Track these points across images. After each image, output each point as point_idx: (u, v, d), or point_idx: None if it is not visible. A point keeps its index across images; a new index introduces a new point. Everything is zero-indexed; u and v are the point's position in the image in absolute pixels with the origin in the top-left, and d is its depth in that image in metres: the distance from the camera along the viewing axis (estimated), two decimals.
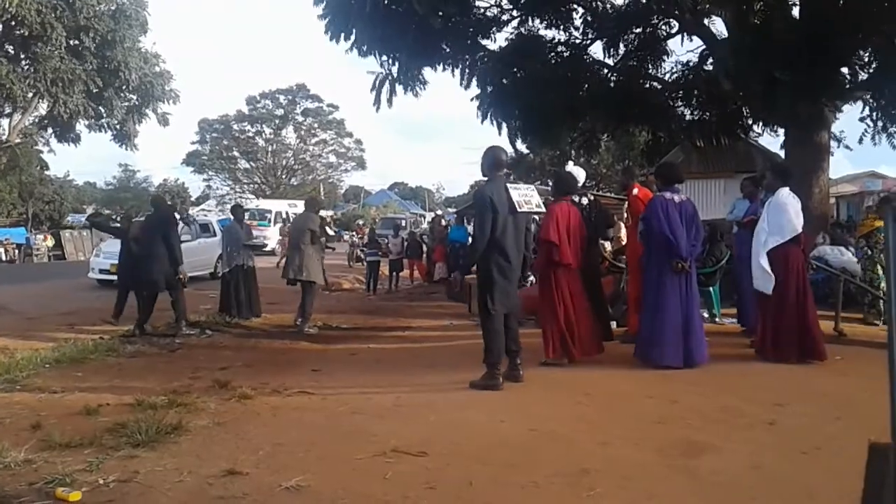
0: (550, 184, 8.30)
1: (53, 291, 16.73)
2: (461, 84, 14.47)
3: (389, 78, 14.01)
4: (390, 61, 13.81)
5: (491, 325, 6.35)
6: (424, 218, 25.96)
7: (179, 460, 4.38)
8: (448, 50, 13.82)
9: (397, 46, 13.20)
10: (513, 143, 15.84)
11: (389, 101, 14.15)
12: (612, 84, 14.95)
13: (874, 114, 13.12)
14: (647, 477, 4.06)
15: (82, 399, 6.09)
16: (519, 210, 6.39)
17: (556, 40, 14.79)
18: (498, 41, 14.89)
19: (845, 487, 3.19)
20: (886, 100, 12.61)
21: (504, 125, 15.04)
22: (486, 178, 6.67)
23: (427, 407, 5.79)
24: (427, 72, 14.35)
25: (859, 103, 13.09)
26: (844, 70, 12.33)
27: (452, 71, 14.33)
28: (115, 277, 17.55)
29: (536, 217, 7.83)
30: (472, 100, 15.03)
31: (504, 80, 14.36)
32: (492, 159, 6.60)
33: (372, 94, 14.18)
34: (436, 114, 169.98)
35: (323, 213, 15.54)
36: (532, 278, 8.75)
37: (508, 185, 6.50)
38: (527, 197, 6.56)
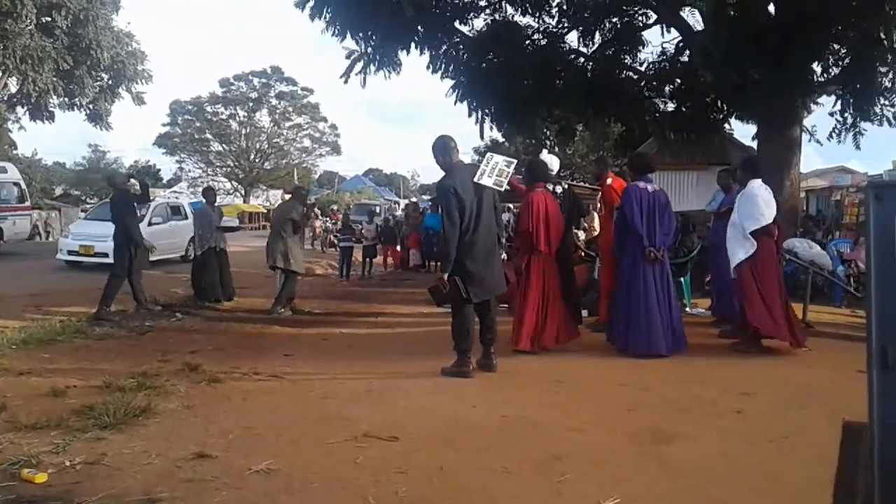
0: (523, 171, 8.26)
1: (21, 272, 16.46)
2: (434, 69, 14.37)
3: (364, 57, 13.88)
4: (364, 43, 13.69)
5: (462, 313, 6.33)
6: (399, 205, 25.83)
7: (148, 443, 4.34)
8: (423, 33, 13.73)
9: (372, 28, 13.09)
10: (482, 131, 15.76)
11: (364, 81, 14.02)
12: (587, 73, 14.96)
13: (845, 109, 13.27)
14: (618, 463, 4.10)
15: (49, 381, 6.00)
16: (501, 189, 6.33)
17: (533, 27, 14.76)
18: (474, 26, 14.80)
19: (811, 474, 3.24)
20: (858, 95, 12.74)
21: (476, 112, 14.98)
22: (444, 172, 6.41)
23: (399, 392, 5.79)
24: (402, 55, 14.25)
25: (832, 97, 13.23)
26: (817, 65, 12.45)
27: (428, 54, 14.23)
28: (84, 259, 17.45)
29: (510, 206, 7.77)
30: (447, 84, 14.98)
31: (479, 66, 14.32)
32: (442, 148, 6.38)
33: (345, 70, 14.06)
34: (412, 100, 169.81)
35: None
36: (504, 255, 8.71)
37: (474, 178, 6.27)
38: (495, 170, 6.31)
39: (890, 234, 1.21)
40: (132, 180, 12.48)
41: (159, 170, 73.35)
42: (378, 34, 13.16)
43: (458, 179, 6.22)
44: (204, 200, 12.55)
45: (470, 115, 14.95)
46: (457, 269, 6.15)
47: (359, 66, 13.87)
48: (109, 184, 11.35)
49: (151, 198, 13.62)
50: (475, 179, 6.25)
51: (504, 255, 8.19)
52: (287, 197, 15.85)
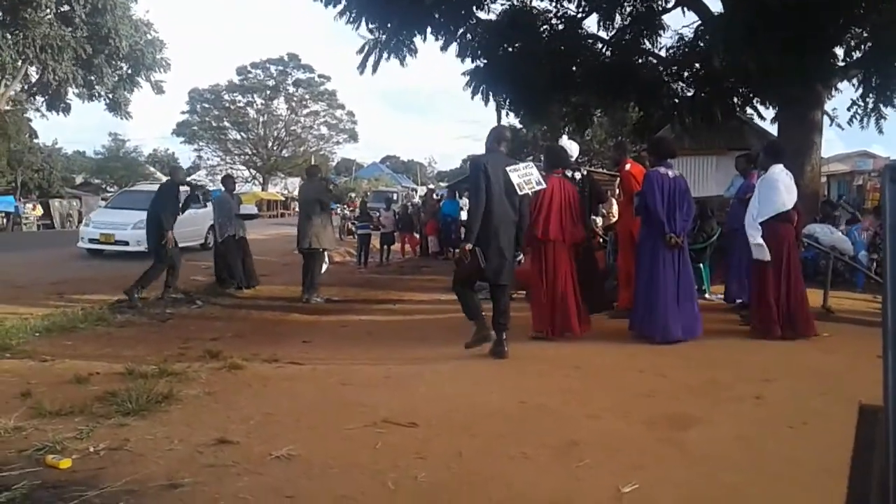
0: (542, 157, 8.26)
1: (43, 260, 16.65)
2: (452, 54, 14.38)
3: (378, 45, 13.86)
4: (380, 30, 13.66)
5: (464, 297, 6.54)
6: (416, 192, 25.77)
7: (170, 429, 4.39)
8: (441, 19, 13.68)
9: (388, 14, 13.06)
10: (499, 118, 15.76)
11: (375, 67, 14.04)
12: (606, 59, 14.86)
13: (866, 94, 13.11)
14: (635, 449, 4.10)
15: (72, 367, 6.08)
16: (520, 192, 6.39)
17: (550, 13, 14.67)
18: (492, 12, 14.74)
19: (830, 460, 3.23)
20: (880, 78, 12.59)
21: (492, 99, 14.94)
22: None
23: (417, 378, 5.81)
24: (418, 42, 14.23)
25: (854, 82, 13.07)
26: (838, 49, 12.31)
27: (444, 41, 14.19)
28: (105, 247, 17.61)
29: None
30: (463, 74, 14.95)
31: (496, 53, 14.25)
32: (495, 135, 6.65)
33: (359, 56, 14.09)
34: (429, 87, 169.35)
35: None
36: (521, 257, 8.76)
37: (507, 167, 6.41)
38: (527, 177, 6.48)
39: None
40: (185, 187, 12.61)
41: (178, 158, 73.68)
42: (395, 20, 13.13)
43: (492, 161, 6.37)
44: (223, 188, 12.62)
45: (486, 106, 14.96)
46: (478, 242, 6.31)
47: (373, 54, 13.87)
48: (170, 173, 11.53)
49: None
50: (521, 193, 6.40)
51: (521, 257, 8.25)
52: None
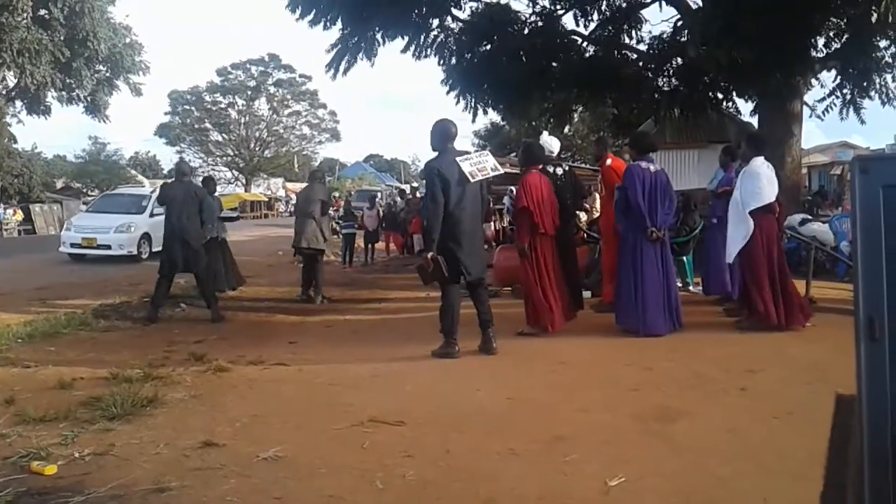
0: (519, 154, 8.26)
1: (24, 266, 16.49)
2: (420, 56, 14.31)
3: (350, 47, 13.83)
4: (352, 35, 13.63)
5: (447, 294, 6.43)
6: (406, 192, 25.77)
7: (156, 433, 4.37)
8: (417, 19, 13.66)
9: (366, 17, 13.02)
10: (474, 115, 15.67)
11: (346, 70, 14.03)
12: (585, 54, 14.88)
13: (844, 85, 13.22)
14: (623, 442, 4.12)
15: (56, 373, 6.02)
16: (472, 180, 6.35)
17: (529, 9, 14.68)
18: (465, 9, 14.70)
19: (816, 450, 3.24)
20: (857, 70, 12.69)
21: (468, 97, 14.90)
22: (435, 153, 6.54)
23: (404, 377, 5.82)
24: (397, 41, 14.19)
25: (832, 72, 13.18)
26: (817, 41, 12.37)
27: (417, 42, 14.16)
28: (87, 251, 17.45)
29: (511, 189, 7.81)
30: (442, 69, 14.91)
31: (474, 51, 14.24)
32: (441, 132, 6.52)
33: (330, 61, 14.06)
34: (411, 85, 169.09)
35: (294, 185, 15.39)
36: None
37: (458, 158, 6.41)
38: (480, 164, 6.48)
39: (875, 206, 1.24)
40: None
41: (160, 161, 73.31)
42: (373, 23, 13.10)
43: (445, 162, 6.32)
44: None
45: (458, 102, 14.92)
46: (441, 249, 6.25)
47: (345, 58, 13.84)
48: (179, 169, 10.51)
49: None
50: (472, 180, 6.34)
51: (492, 244, 8.23)
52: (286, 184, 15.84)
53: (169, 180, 12.51)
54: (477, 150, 6.66)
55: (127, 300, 10.34)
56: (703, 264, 10.28)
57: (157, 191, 10.87)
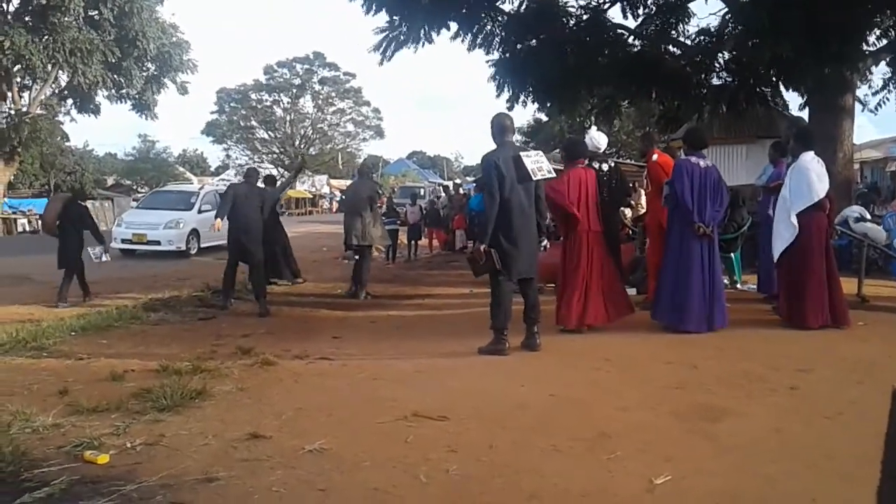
0: (561, 149, 8.24)
1: None
2: (472, 47, 14.24)
3: (397, 33, 13.80)
4: (402, 23, 13.59)
5: (498, 290, 6.37)
6: (449, 189, 25.70)
7: (204, 424, 4.45)
8: (465, 13, 13.61)
9: (413, 7, 13.00)
10: (511, 109, 15.57)
11: (391, 56, 13.96)
12: (632, 49, 14.71)
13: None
14: (667, 441, 4.08)
15: (108, 365, 6.17)
16: (534, 178, 6.36)
17: (575, 2, 14.54)
18: (513, 2, 14.60)
19: (867, 451, 3.19)
20: None
21: (515, 92, 14.81)
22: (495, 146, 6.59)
23: (447, 373, 5.83)
24: (444, 35, 14.13)
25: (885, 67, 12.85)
26: (870, 34, 12.06)
27: (469, 35, 14.10)
28: (137, 247, 17.82)
29: None
30: (488, 65, 14.83)
31: (521, 45, 14.16)
32: (498, 126, 6.58)
33: (377, 43, 14.02)
34: (455, 82, 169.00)
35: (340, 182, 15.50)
36: (546, 243, 8.71)
37: (521, 153, 6.46)
38: (538, 164, 6.50)
39: None
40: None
41: (207, 158, 74.48)
42: (419, 13, 13.07)
43: (503, 156, 6.32)
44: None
45: (500, 96, 14.81)
46: (493, 242, 6.24)
47: (392, 44, 13.80)
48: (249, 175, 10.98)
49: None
50: (534, 178, 6.36)
51: (545, 243, 8.19)
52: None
53: (220, 177, 13.09)
54: (521, 140, 6.65)
55: (176, 294, 10.53)
56: (753, 261, 10.13)
57: (227, 188, 11.30)
